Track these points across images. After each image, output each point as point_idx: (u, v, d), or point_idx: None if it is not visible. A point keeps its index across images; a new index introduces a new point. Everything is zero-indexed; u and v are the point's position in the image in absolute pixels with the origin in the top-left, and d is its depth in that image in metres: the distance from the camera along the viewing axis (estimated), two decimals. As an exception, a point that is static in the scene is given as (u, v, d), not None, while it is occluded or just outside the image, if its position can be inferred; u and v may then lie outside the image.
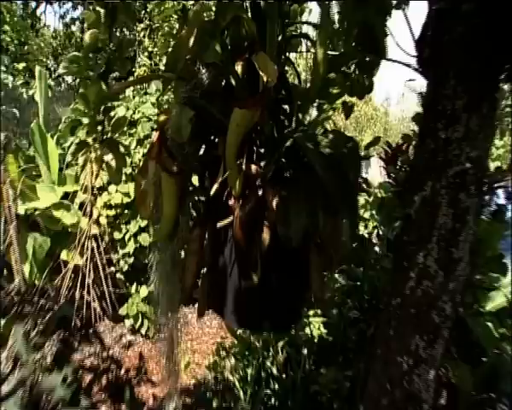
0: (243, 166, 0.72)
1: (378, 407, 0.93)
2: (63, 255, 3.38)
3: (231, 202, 0.73)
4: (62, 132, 2.82)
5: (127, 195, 3.76)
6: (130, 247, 3.90)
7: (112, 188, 3.82)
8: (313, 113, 0.83)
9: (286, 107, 0.94)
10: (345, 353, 2.62)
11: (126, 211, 3.96)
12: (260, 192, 0.73)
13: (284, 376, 2.54)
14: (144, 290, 3.76)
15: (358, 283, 2.89)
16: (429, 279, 0.85)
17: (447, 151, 0.84)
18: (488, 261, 1.97)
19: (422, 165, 0.89)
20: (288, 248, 0.71)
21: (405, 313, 0.89)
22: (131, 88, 5.00)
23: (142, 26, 5.03)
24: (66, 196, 3.53)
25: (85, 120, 1.33)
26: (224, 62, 0.82)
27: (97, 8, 1.23)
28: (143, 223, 3.86)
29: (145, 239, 3.74)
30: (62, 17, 8.40)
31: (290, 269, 0.80)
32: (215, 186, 0.74)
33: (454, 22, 0.84)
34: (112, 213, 3.88)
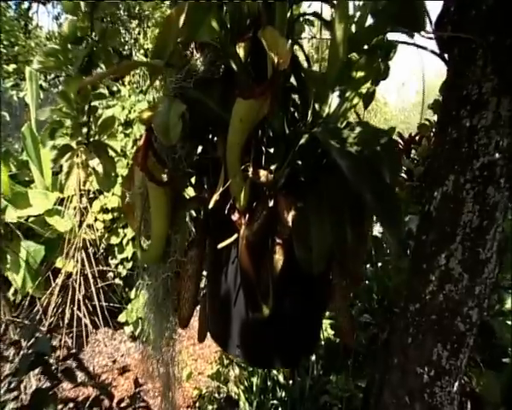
0: (249, 172, 0.57)
1: (395, 421, 0.84)
2: (58, 263, 3.25)
3: (235, 216, 0.58)
4: (41, 136, 2.68)
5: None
6: (129, 251, 3.79)
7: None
8: (333, 102, 0.68)
9: (295, 97, 0.80)
10: (355, 357, 2.49)
11: (123, 215, 3.84)
12: (271, 203, 0.58)
13: (291, 383, 2.43)
14: (144, 296, 3.64)
15: (367, 282, 2.76)
16: (452, 283, 0.79)
17: (472, 141, 0.77)
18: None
19: (443, 157, 0.82)
20: (306, 273, 0.57)
21: (425, 320, 0.82)
22: (127, 86, 4.86)
23: (136, 22, 4.88)
24: (61, 200, 3.41)
25: (67, 122, 1.18)
26: (223, 43, 0.67)
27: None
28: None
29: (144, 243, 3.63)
30: (56, 18, 8.26)
31: (308, 295, 0.65)
32: (214, 197, 0.59)
33: None
34: (108, 217, 3.77)
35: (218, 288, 0.70)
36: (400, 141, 2.17)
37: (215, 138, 0.67)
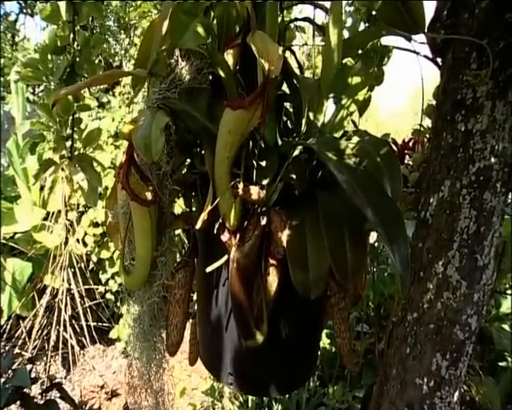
0: (239, 188, 0.52)
1: (395, 433, 0.82)
2: (46, 280, 3.17)
3: (225, 237, 0.53)
4: (20, 151, 2.61)
5: (114, 211, 3.57)
6: (120, 265, 3.72)
7: (98, 204, 3.63)
8: (328, 111, 0.64)
9: (287, 106, 0.76)
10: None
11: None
12: (264, 221, 0.53)
13: (287, 397, 2.38)
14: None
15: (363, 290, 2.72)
16: (450, 291, 0.78)
17: (468, 145, 0.76)
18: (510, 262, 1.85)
19: (439, 162, 0.80)
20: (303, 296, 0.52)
21: (424, 330, 0.81)
22: (118, 98, 4.80)
23: (125, 34, 4.85)
24: (50, 215, 3.34)
25: (49, 136, 1.13)
26: (210, 50, 0.63)
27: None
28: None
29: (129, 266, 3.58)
30: (44, 29, 8.21)
31: (304, 318, 0.60)
32: (202, 216, 0.54)
33: None
34: (98, 231, 3.70)
35: (208, 313, 0.65)
36: (394, 147, 2.14)
37: (202, 152, 0.62)
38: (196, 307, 0.70)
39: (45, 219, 3.36)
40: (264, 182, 0.56)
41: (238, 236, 0.52)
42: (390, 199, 0.48)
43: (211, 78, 0.66)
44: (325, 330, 2.79)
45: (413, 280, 0.84)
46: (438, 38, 0.89)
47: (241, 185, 0.52)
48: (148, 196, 0.56)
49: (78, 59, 1.09)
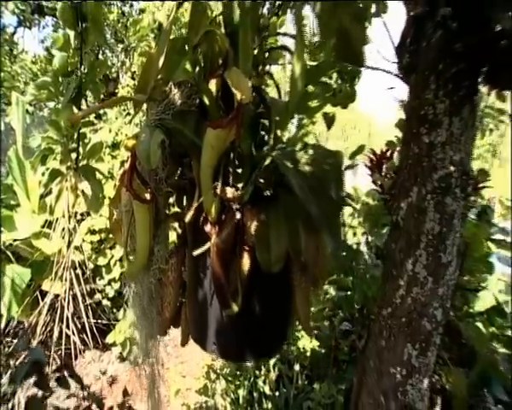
0: (218, 190, 0.67)
1: (372, 420, 0.89)
2: (44, 286, 3.27)
3: (207, 227, 0.68)
4: (32, 162, 2.76)
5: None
6: (116, 272, 3.82)
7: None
8: (293, 128, 0.79)
9: (266, 122, 0.91)
10: (338, 365, 2.59)
11: (111, 235, 3.88)
12: (238, 216, 0.68)
13: (277, 394, 2.49)
14: (132, 316, 3.66)
15: (348, 292, 2.87)
16: (419, 286, 0.85)
17: (431, 156, 0.85)
18: (475, 261, 1.99)
19: (407, 171, 0.90)
20: (270, 272, 0.67)
21: (396, 323, 0.88)
22: (114, 109, 4.95)
23: (121, 46, 5.02)
24: (49, 223, 3.44)
25: (58, 149, 1.27)
26: (197, 80, 0.79)
27: (67, 30, 1.19)
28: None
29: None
30: (42, 41, 8.34)
31: (273, 294, 0.75)
32: (190, 211, 0.70)
33: (431, 28, 0.86)
34: (96, 238, 3.80)
35: (195, 292, 0.79)
36: (373, 157, 2.30)
37: (191, 162, 0.77)
38: (187, 290, 0.84)
39: (43, 226, 3.46)
40: (239, 185, 0.71)
41: (218, 227, 0.67)
42: (332, 198, 0.63)
43: (198, 102, 0.81)
44: (314, 332, 2.92)
45: (387, 278, 0.93)
46: (404, 60, 1.03)
47: (219, 187, 0.67)
48: (147, 196, 0.71)
49: (84, 80, 1.24)
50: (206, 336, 0.80)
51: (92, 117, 4.26)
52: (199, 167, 0.70)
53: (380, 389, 0.91)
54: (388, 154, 2.27)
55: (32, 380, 0.93)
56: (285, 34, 1.01)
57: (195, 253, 0.69)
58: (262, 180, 0.71)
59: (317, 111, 0.81)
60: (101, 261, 3.82)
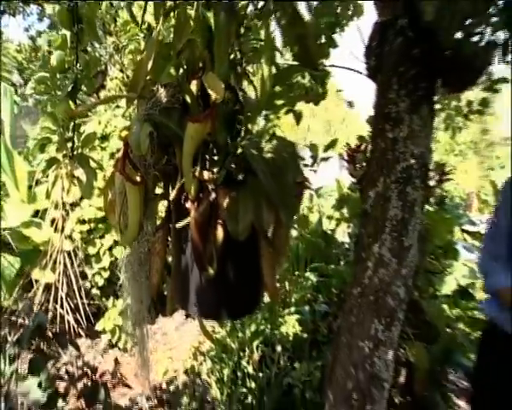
0: (197, 173, 0.82)
1: (344, 390, 1.00)
2: (34, 274, 3.35)
3: (188, 204, 0.83)
4: (31, 151, 2.85)
5: (101, 209, 3.77)
6: (106, 261, 3.91)
7: (85, 203, 3.82)
8: (261, 122, 0.94)
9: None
10: (317, 346, 2.76)
11: (100, 225, 3.98)
12: (213, 195, 0.83)
13: (260, 374, 2.63)
14: (121, 304, 3.77)
15: (327, 278, 3.05)
16: (384, 267, 0.94)
17: (395, 150, 0.94)
18: (441, 248, 2.17)
19: (375, 163, 0.98)
20: (239, 243, 0.82)
21: (365, 301, 0.97)
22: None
23: (111, 39, 5.08)
24: (36, 213, 3.52)
25: (54, 138, 1.40)
26: (180, 81, 0.93)
27: (63, 31, 1.31)
28: (118, 236, 3.90)
29: (120, 252, 3.76)
30: (27, 30, 8.25)
31: (244, 262, 0.90)
32: (174, 192, 0.84)
33: (393, 34, 0.97)
34: (85, 227, 3.88)
35: (178, 261, 0.94)
36: (348, 151, 2.47)
37: (175, 150, 0.91)
38: (171, 259, 0.99)
39: (33, 216, 3.53)
40: (215, 170, 0.86)
41: (196, 203, 0.82)
42: (288, 181, 0.78)
43: (181, 100, 0.95)
44: (297, 317, 3.10)
45: (357, 261, 1.03)
46: (371, 62, 1.16)
47: (198, 171, 0.82)
48: (138, 179, 0.86)
49: (79, 76, 1.37)
50: (188, 299, 0.94)
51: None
52: (181, 155, 0.84)
53: (350, 361, 0.99)
54: (362, 147, 2.43)
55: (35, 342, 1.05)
56: (260, 40, 1.15)
57: (178, 225, 0.84)
58: (233, 166, 0.86)
59: (282, 108, 0.96)
60: (91, 251, 3.91)
